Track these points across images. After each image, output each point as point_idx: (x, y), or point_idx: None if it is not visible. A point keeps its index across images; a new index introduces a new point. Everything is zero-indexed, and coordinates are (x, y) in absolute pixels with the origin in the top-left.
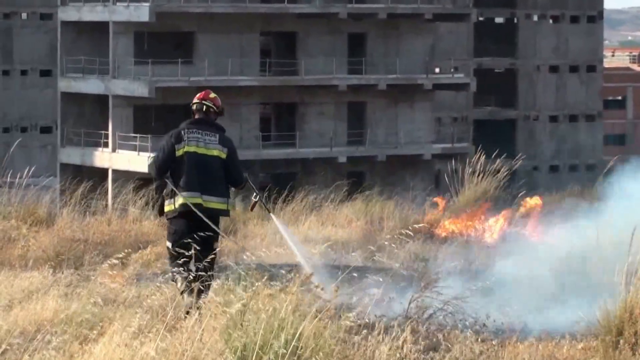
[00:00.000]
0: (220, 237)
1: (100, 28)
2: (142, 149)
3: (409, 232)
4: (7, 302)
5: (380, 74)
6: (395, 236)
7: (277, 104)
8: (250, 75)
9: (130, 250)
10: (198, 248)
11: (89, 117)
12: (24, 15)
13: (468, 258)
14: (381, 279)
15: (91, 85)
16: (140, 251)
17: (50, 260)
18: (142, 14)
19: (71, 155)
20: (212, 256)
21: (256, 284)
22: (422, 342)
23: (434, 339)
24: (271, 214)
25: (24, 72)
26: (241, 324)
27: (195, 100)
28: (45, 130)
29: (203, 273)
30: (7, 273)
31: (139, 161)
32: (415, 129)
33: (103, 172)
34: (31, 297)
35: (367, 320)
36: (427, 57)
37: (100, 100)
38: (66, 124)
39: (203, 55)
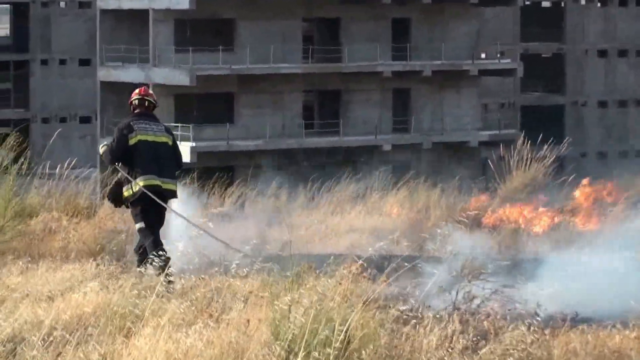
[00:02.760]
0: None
1: (139, 16)
2: (184, 138)
3: (456, 221)
4: (49, 294)
5: (425, 59)
6: (442, 225)
7: (320, 91)
8: (293, 62)
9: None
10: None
11: (129, 107)
12: (62, 4)
13: (517, 246)
14: (429, 269)
15: (131, 74)
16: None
17: (92, 251)
18: (182, 1)
19: None
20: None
21: (302, 274)
22: (471, 332)
23: (484, 329)
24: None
25: (62, 62)
26: (288, 316)
27: (136, 96)
28: (85, 120)
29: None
30: (48, 265)
31: (181, 151)
32: (461, 116)
33: None
34: (73, 289)
35: (415, 310)
36: (473, 42)
37: None
38: (106, 114)
39: (244, 43)
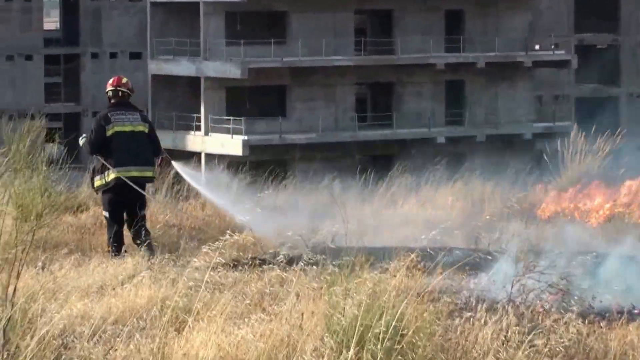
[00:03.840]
0: (147, 200)
1: (190, 8)
2: (236, 131)
3: (511, 213)
4: (101, 288)
5: (478, 51)
6: (497, 217)
7: (373, 84)
8: (345, 55)
9: (229, 232)
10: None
11: (180, 99)
12: None
13: (572, 239)
14: (483, 261)
15: (182, 67)
16: (235, 235)
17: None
18: None
19: (163, 139)
20: (143, 214)
21: (356, 267)
22: (526, 325)
23: (538, 321)
24: (172, 161)
25: (113, 55)
26: (341, 308)
27: (109, 87)
28: None
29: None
30: (99, 259)
31: (233, 144)
32: (515, 108)
33: (196, 155)
34: (125, 283)
35: (470, 303)
36: (527, 34)
37: (192, 83)
38: (157, 108)
39: (296, 35)
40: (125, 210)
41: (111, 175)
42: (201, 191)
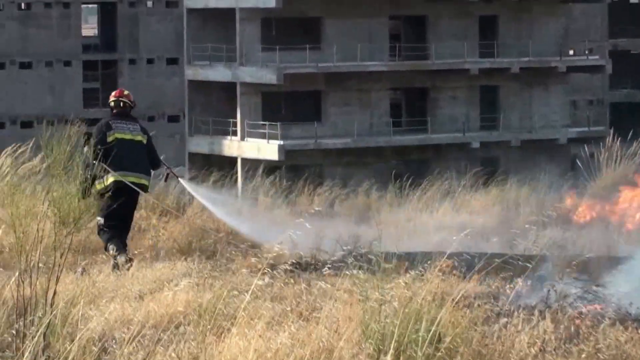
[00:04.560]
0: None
1: (226, 15)
2: (272, 136)
3: (546, 218)
4: (139, 292)
5: (512, 57)
6: (532, 222)
7: (408, 89)
8: (380, 60)
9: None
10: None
11: (217, 105)
12: (149, 3)
13: (608, 244)
14: (519, 266)
15: (218, 73)
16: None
17: (181, 250)
18: (269, 0)
19: (199, 144)
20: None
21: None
22: (563, 331)
23: (575, 328)
24: (180, 179)
25: (150, 61)
26: (378, 314)
27: (112, 98)
28: (173, 119)
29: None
30: (138, 264)
31: (269, 149)
32: (549, 113)
33: (232, 160)
34: (163, 288)
35: (506, 308)
36: (561, 39)
37: (228, 88)
38: (194, 113)
39: (331, 41)
40: (120, 215)
41: (110, 179)
42: (213, 211)
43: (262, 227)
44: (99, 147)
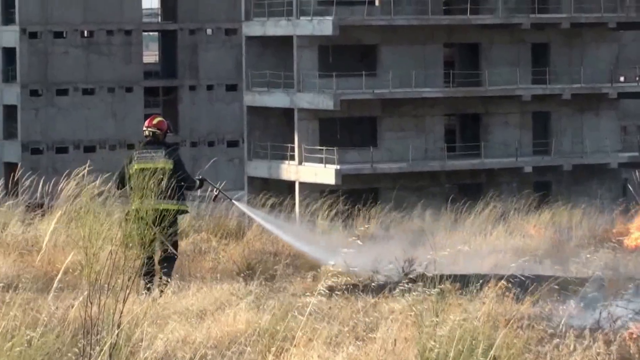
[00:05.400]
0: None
1: (284, 42)
2: (329, 161)
3: (598, 242)
4: (199, 313)
5: (564, 83)
6: (584, 245)
7: (462, 114)
8: (434, 86)
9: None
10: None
11: (275, 130)
12: (209, 31)
13: None
14: (572, 289)
15: (276, 99)
16: (331, 262)
17: (241, 271)
18: (325, 27)
19: (258, 168)
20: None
21: (447, 294)
22: (615, 353)
23: (627, 349)
24: (233, 201)
25: (210, 87)
26: (434, 335)
27: (144, 127)
28: (232, 144)
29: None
30: (198, 285)
31: (326, 173)
32: (601, 138)
33: (290, 184)
34: (223, 309)
35: (559, 330)
36: (612, 66)
37: (286, 114)
38: (252, 138)
39: (387, 67)
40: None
41: (132, 207)
42: (274, 230)
43: (321, 248)
44: (118, 182)
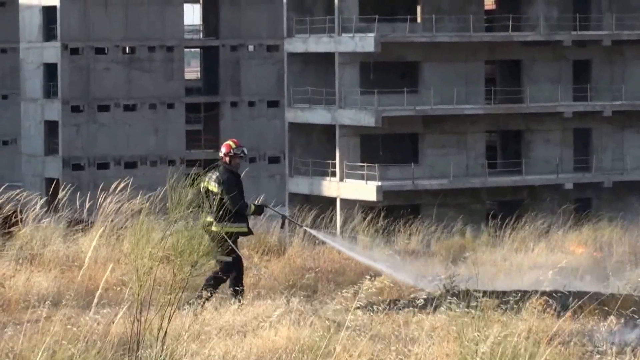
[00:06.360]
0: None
1: (326, 59)
2: (370, 177)
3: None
4: (241, 329)
5: (605, 100)
6: (626, 261)
7: (503, 131)
8: (476, 103)
9: (367, 276)
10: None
11: (316, 146)
12: (251, 48)
13: None
14: (612, 305)
15: (318, 116)
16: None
17: (282, 288)
18: (367, 44)
19: (299, 184)
20: (225, 262)
21: (488, 310)
22: None
23: None
24: (303, 226)
25: (251, 104)
26: (475, 351)
27: None
28: (274, 160)
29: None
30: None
31: (367, 190)
32: None
33: (331, 201)
34: (264, 325)
35: (601, 346)
36: None
37: (327, 130)
38: (294, 154)
39: (428, 84)
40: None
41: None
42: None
43: (412, 272)
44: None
